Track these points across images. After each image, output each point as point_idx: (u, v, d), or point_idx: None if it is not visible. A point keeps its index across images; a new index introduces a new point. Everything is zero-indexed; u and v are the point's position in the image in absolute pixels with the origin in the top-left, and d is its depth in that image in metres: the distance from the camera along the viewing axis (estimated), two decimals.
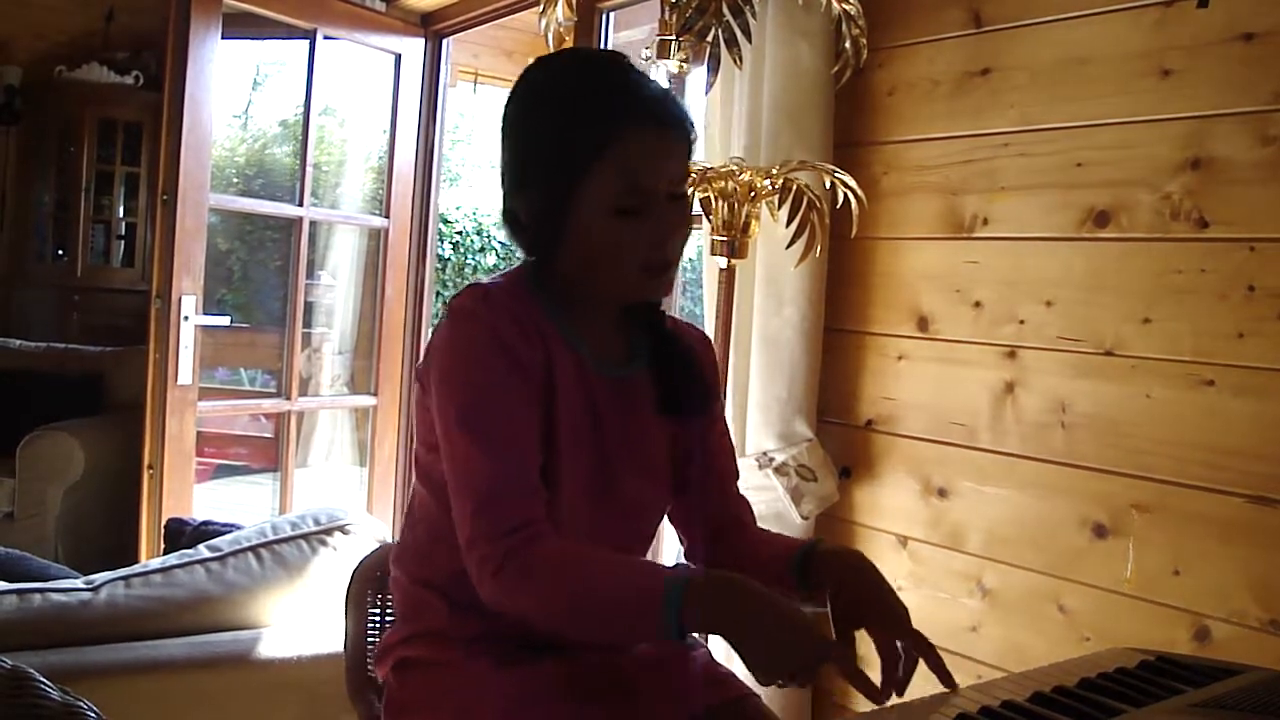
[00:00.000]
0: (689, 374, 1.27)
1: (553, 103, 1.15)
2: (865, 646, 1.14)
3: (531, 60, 1.23)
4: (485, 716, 1.13)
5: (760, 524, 2.20)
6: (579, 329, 1.21)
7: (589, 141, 1.10)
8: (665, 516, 1.34)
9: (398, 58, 3.62)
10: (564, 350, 1.18)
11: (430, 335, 1.20)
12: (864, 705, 1.05)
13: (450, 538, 1.12)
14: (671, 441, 1.28)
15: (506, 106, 1.20)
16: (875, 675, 1.07)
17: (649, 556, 1.34)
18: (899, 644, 1.09)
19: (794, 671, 0.98)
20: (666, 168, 1.14)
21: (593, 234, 1.13)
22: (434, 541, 1.20)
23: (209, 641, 1.65)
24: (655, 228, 1.13)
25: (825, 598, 1.10)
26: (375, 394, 3.76)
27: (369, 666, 1.37)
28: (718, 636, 1.03)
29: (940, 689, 1.06)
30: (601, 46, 3.00)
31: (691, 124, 1.17)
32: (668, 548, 2.65)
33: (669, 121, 1.13)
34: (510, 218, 1.20)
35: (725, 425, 1.38)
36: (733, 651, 1.01)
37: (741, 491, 1.39)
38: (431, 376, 1.15)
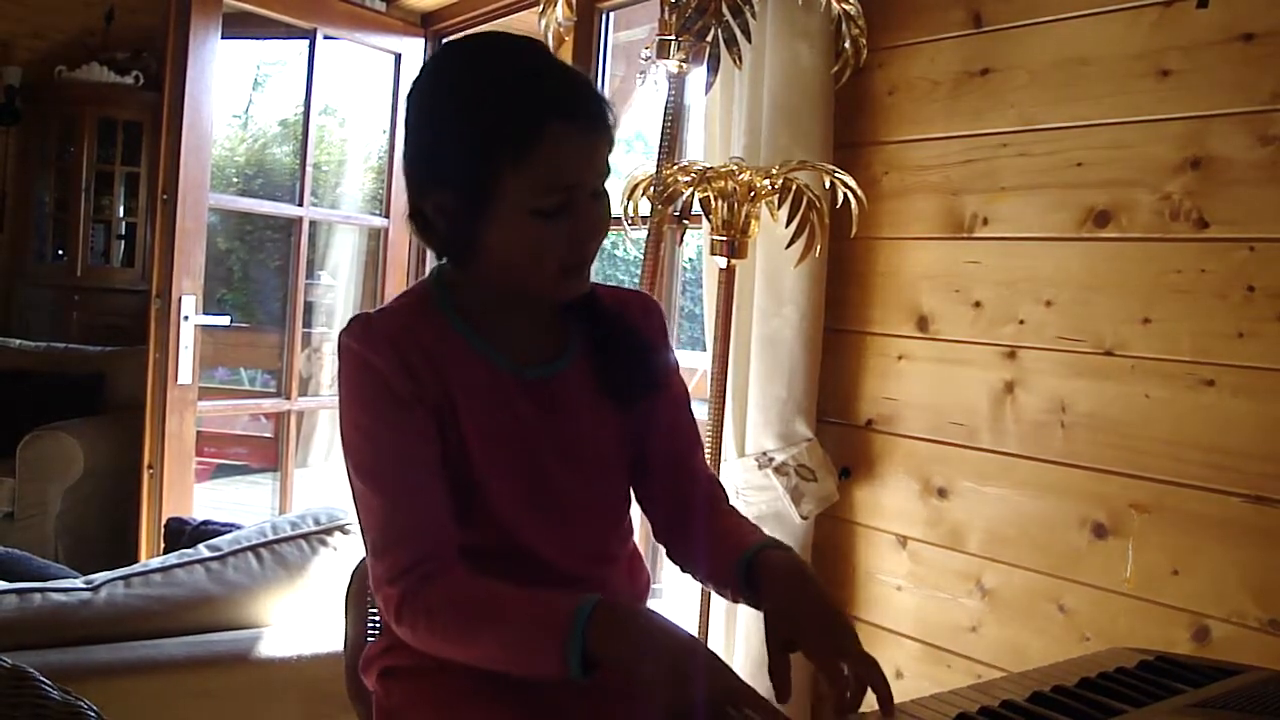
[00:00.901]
0: (629, 358, 1.20)
1: (468, 94, 1.06)
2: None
3: (441, 45, 1.16)
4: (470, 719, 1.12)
5: (760, 523, 2.21)
6: (495, 335, 1.15)
7: (510, 138, 1.03)
8: (633, 508, 1.28)
9: (398, 57, 3.62)
10: (472, 362, 1.13)
11: None
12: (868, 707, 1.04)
13: None
14: (622, 430, 1.22)
15: (411, 95, 1.12)
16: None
17: (626, 557, 1.27)
18: (844, 667, 0.99)
19: (693, 711, 0.91)
20: (591, 165, 1.07)
21: (511, 236, 1.07)
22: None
23: (209, 641, 1.65)
24: (576, 227, 1.07)
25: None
26: None
27: None
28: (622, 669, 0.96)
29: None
30: (601, 47, 3.00)
31: (615, 116, 1.09)
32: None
33: (593, 116, 1.06)
34: (418, 218, 1.12)
35: (685, 398, 1.29)
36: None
37: (708, 468, 1.33)
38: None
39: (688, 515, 1.26)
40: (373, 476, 1.09)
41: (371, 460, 1.10)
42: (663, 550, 1.32)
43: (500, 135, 1.03)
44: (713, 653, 0.97)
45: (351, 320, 1.12)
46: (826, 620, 1.03)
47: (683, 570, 1.29)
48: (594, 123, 1.06)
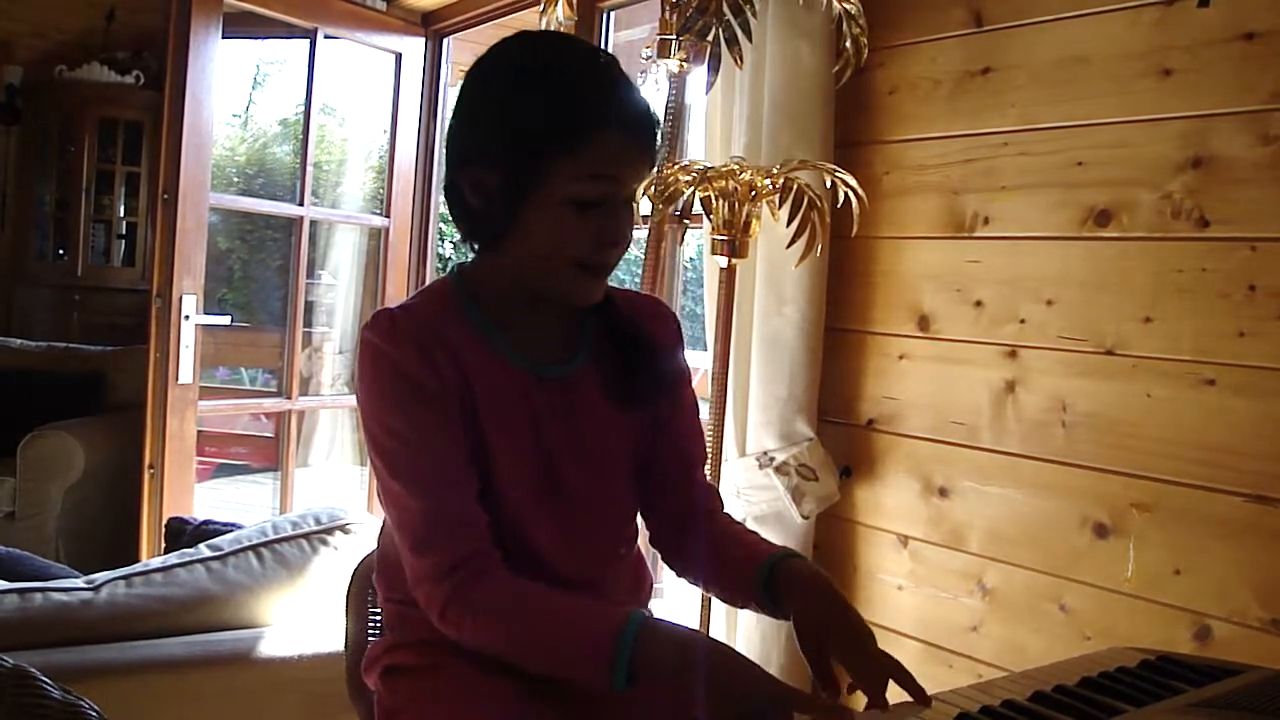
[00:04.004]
0: (639, 362, 1.21)
1: (539, 81, 1.09)
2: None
3: (516, 34, 1.16)
4: (473, 718, 1.12)
5: (760, 524, 2.22)
6: (513, 333, 1.17)
7: (572, 127, 1.07)
8: (635, 514, 1.29)
9: (398, 57, 3.62)
10: (489, 360, 1.14)
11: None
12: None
13: None
14: (633, 433, 1.23)
15: (472, 73, 1.14)
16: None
17: (630, 559, 1.28)
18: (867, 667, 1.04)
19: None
20: (634, 173, 1.12)
21: (544, 221, 1.09)
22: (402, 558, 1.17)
23: (210, 641, 1.65)
24: (603, 226, 1.10)
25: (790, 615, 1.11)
26: None
27: None
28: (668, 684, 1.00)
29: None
30: (602, 46, 3.00)
31: (661, 137, 1.14)
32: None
33: (648, 131, 1.12)
34: (455, 194, 1.15)
35: (695, 409, 1.31)
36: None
37: (708, 480, 1.35)
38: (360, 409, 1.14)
39: (687, 523, 1.27)
40: (407, 475, 1.09)
41: (405, 460, 1.10)
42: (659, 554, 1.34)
43: (565, 122, 1.07)
44: (755, 666, 0.99)
45: (375, 316, 1.13)
46: (850, 624, 1.07)
47: (679, 575, 1.31)
48: (648, 139, 1.11)
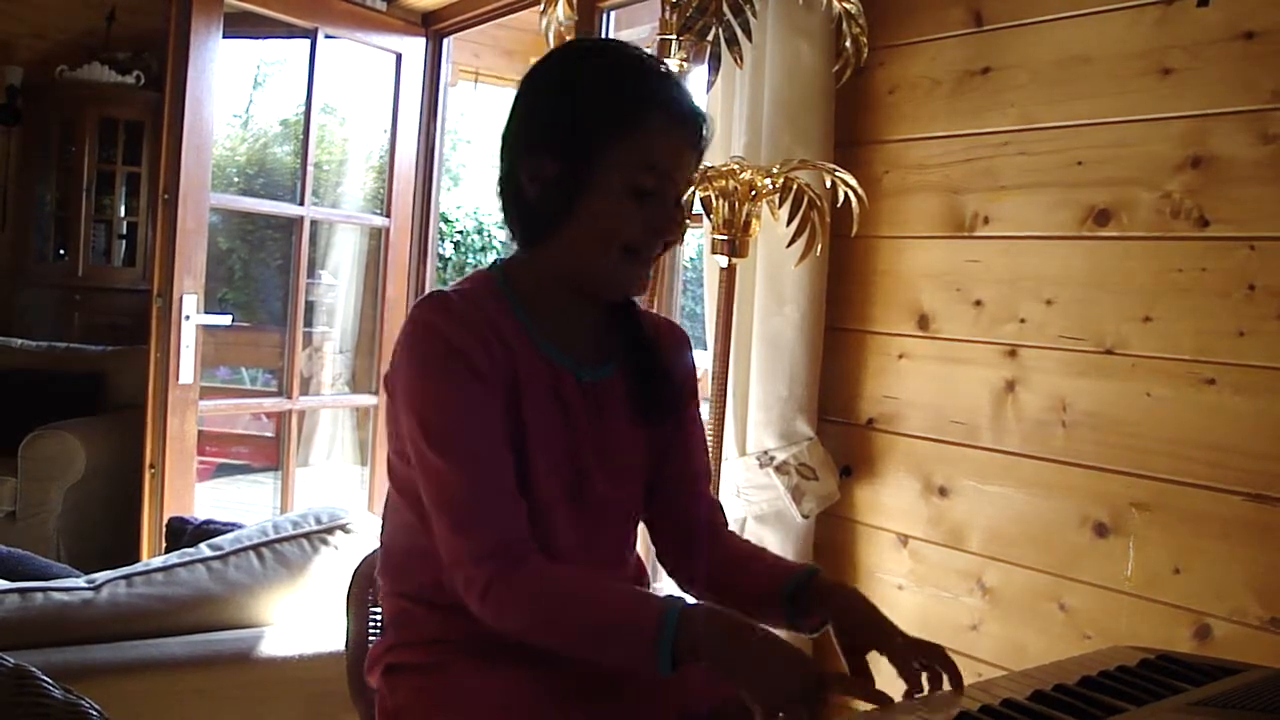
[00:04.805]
0: (662, 380, 1.26)
1: (602, 72, 1.15)
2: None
3: (575, 38, 1.22)
4: (476, 718, 1.12)
5: (760, 523, 2.23)
6: (551, 332, 1.19)
7: (631, 112, 1.12)
8: (640, 521, 1.32)
9: (398, 57, 3.62)
10: (532, 354, 1.17)
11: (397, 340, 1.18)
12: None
13: (427, 548, 1.12)
14: (650, 445, 1.27)
15: (534, 75, 1.19)
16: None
17: (628, 562, 1.31)
18: (915, 662, 1.10)
19: (792, 702, 0.97)
20: (686, 167, 1.17)
21: (603, 207, 1.13)
22: (410, 552, 1.18)
23: (211, 640, 1.65)
24: (656, 214, 1.14)
25: (816, 626, 1.18)
26: (376, 393, 3.76)
27: None
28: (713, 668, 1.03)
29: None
30: None
31: (708, 139, 1.20)
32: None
33: (700, 131, 1.17)
34: (510, 184, 1.18)
35: (701, 425, 1.37)
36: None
37: (714, 495, 1.40)
38: (397, 389, 1.14)
39: (693, 538, 1.31)
40: (454, 451, 1.10)
41: (453, 435, 1.10)
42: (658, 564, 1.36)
43: (620, 105, 1.13)
44: (795, 647, 1.02)
45: (429, 296, 1.16)
46: (885, 624, 1.14)
47: (686, 590, 1.33)
48: (699, 138, 1.18)
